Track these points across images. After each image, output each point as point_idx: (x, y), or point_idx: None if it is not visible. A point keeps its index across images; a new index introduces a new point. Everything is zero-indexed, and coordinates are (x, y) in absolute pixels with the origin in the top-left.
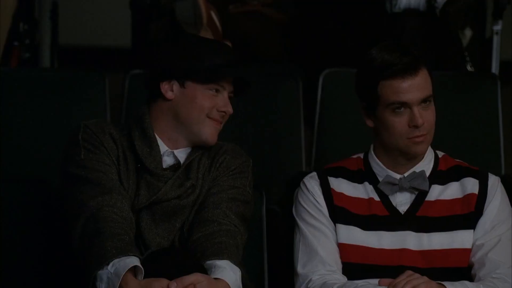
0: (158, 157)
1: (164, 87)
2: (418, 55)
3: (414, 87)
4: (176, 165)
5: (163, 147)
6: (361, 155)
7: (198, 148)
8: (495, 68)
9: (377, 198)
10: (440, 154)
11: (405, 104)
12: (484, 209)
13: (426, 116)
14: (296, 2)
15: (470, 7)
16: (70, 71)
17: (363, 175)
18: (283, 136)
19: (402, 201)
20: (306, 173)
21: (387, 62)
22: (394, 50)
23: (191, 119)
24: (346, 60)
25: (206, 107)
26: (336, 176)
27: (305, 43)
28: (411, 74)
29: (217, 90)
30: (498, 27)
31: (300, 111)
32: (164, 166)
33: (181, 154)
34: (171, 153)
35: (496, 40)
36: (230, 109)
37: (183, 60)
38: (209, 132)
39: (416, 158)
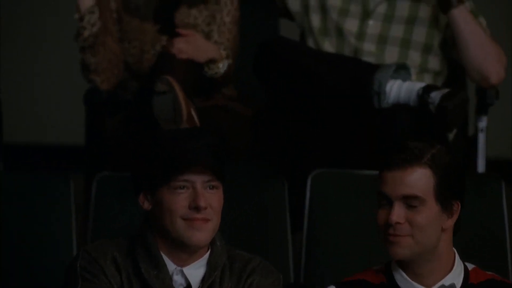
0: (167, 279)
1: (141, 200)
2: (419, 152)
3: (397, 180)
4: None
5: (171, 266)
6: (383, 266)
7: (214, 265)
8: (481, 167)
9: None
10: (470, 266)
11: (386, 198)
12: None
13: (408, 215)
14: (268, 94)
15: (467, 103)
16: (29, 173)
17: None
18: (268, 244)
19: None
20: (296, 285)
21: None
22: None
23: (167, 226)
24: (328, 159)
25: (174, 209)
26: None
27: (279, 140)
28: (400, 168)
29: (182, 187)
30: (483, 124)
31: (286, 216)
32: None
33: (192, 271)
34: (180, 271)
35: (481, 137)
36: (200, 203)
37: (142, 168)
38: (189, 235)
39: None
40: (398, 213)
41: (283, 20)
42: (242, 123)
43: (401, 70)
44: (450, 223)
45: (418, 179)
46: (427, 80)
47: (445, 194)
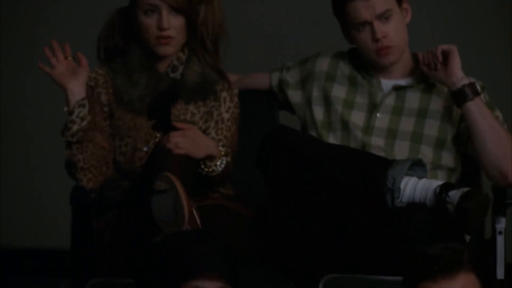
0: None
1: None
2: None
3: None
4: None
5: None
6: None
7: None
8: (500, 273)
9: None
10: None
11: None
12: None
13: None
14: (271, 189)
15: (489, 203)
16: (17, 280)
17: None
18: None
19: None
20: None
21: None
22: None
23: None
24: (339, 262)
25: None
26: None
27: (285, 240)
28: (445, 277)
29: None
30: (501, 226)
31: None
32: None
33: None
34: None
35: (499, 240)
36: None
37: (147, 274)
38: None
39: None
40: None
41: (282, 112)
42: (242, 223)
43: (415, 166)
44: None
45: (467, 284)
46: (441, 177)
47: None
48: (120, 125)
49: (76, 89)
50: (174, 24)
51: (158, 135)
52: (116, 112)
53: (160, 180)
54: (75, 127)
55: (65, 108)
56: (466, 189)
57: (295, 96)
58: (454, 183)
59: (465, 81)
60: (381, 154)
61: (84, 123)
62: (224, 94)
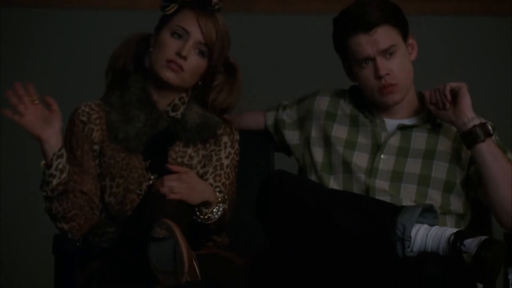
0: None
1: None
2: None
3: None
4: None
5: None
6: None
7: None
8: None
9: None
10: None
11: None
12: None
13: None
14: (271, 238)
15: (506, 252)
16: None
17: None
18: None
19: None
20: None
21: None
22: None
23: None
24: None
25: None
26: None
27: None
28: None
29: None
30: None
31: None
32: None
33: None
34: None
35: None
36: None
37: None
38: None
39: None
40: None
41: (278, 154)
42: (237, 273)
43: (425, 212)
44: None
45: None
46: (450, 223)
47: None
48: (111, 164)
49: (53, 140)
50: (192, 60)
51: (152, 177)
52: (107, 150)
53: (158, 227)
54: (55, 181)
55: (42, 162)
56: (483, 237)
57: (292, 136)
58: (468, 231)
59: (476, 121)
60: (386, 197)
61: (64, 175)
62: (225, 138)
